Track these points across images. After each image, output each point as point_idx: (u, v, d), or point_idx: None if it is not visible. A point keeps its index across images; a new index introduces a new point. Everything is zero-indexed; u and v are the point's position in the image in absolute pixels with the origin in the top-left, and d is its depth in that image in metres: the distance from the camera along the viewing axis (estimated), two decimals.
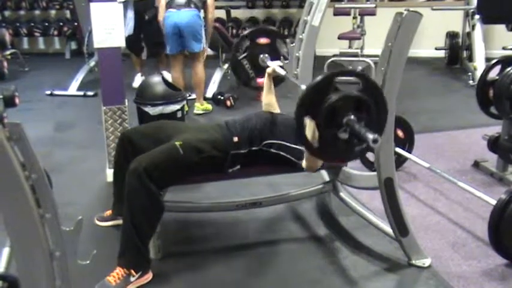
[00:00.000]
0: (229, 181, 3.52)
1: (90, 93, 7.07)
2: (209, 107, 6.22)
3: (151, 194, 2.82)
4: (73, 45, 9.96)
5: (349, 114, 2.22)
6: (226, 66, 7.16)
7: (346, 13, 7.96)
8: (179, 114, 4.35)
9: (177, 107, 4.30)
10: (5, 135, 1.50)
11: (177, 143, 2.95)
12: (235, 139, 3.06)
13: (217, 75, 7.01)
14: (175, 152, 2.92)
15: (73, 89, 7.25)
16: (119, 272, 2.84)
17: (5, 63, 4.85)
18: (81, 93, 7.12)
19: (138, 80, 7.02)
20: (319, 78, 2.28)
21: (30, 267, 1.61)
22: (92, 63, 7.50)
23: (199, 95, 6.12)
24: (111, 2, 4.02)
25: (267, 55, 4.01)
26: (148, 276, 2.92)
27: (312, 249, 3.26)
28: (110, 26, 4.03)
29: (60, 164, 4.61)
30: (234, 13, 9.17)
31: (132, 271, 2.84)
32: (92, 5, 4.01)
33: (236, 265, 3.12)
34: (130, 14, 6.56)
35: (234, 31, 9.09)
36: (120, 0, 4.05)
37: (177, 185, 3.07)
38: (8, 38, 4.72)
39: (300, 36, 3.88)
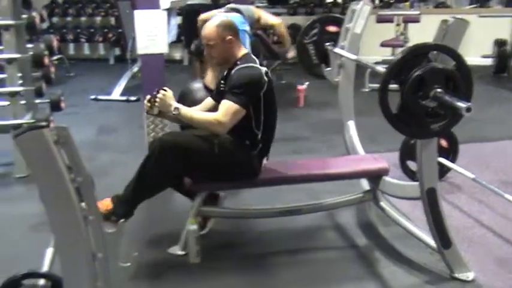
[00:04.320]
0: (266, 187, 3.56)
1: (132, 98, 7.17)
2: None
3: (167, 171, 2.96)
4: (117, 51, 10.14)
5: (438, 86, 2.25)
6: None
7: (389, 20, 7.89)
8: None
9: None
10: (53, 138, 1.53)
11: (215, 141, 3.01)
12: None
13: None
14: (211, 147, 3.00)
15: (116, 94, 7.37)
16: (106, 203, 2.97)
17: (52, 69, 4.95)
18: (124, 98, 7.23)
19: None
20: (414, 46, 2.34)
21: (73, 267, 1.64)
22: (135, 69, 7.61)
23: None
24: (155, 9, 4.07)
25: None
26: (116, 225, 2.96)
27: (350, 258, 3.23)
28: (153, 33, 4.10)
29: (102, 168, 4.67)
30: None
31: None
32: (136, 12, 4.07)
33: (274, 272, 3.11)
34: (174, 21, 6.65)
35: (275, 38, 9.08)
36: (164, 7, 4.10)
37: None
38: (55, 44, 4.83)
39: (342, 44, 3.86)
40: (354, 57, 3.54)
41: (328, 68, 3.98)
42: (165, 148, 2.92)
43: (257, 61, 3.09)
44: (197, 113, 3.11)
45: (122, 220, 1.89)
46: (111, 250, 1.68)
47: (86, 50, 10.60)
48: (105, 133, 5.88)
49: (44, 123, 1.43)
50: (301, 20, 9.49)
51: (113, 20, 10.27)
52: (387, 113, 2.46)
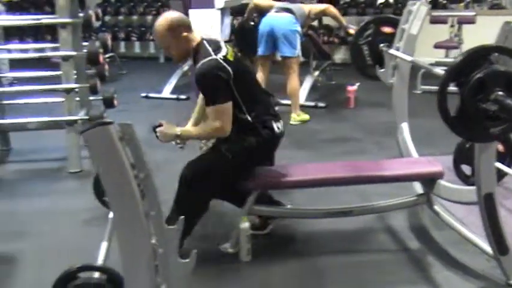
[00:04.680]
0: (316, 188, 3.55)
1: (182, 96, 7.25)
2: (306, 117, 6.11)
3: (197, 201, 3.05)
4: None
5: (499, 89, 2.23)
6: (316, 73, 7.16)
7: (443, 21, 7.76)
8: None
9: None
10: (118, 135, 1.56)
11: (223, 149, 3.07)
12: None
13: (307, 82, 7.00)
14: (223, 156, 3.05)
15: (167, 92, 7.46)
16: None
17: (106, 66, 5.06)
18: (174, 96, 7.31)
19: None
20: (475, 47, 2.31)
21: (134, 262, 1.67)
22: (185, 67, 7.68)
23: (295, 105, 6.05)
24: (209, 9, 4.10)
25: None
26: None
27: (402, 262, 3.19)
28: (207, 32, 4.12)
29: (155, 164, 4.72)
30: (326, 20, 9.13)
31: None
32: (191, 11, 4.12)
33: (324, 272, 3.10)
34: (227, 20, 6.68)
35: (326, 38, 9.07)
36: (218, 7, 4.13)
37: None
38: (109, 42, 4.93)
39: (397, 45, 3.81)
40: (410, 58, 3.49)
41: (382, 69, 3.93)
42: (191, 182, 3.01)
43: (210, 49, 3.02)
44: (196, 129, 3.21)
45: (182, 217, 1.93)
46: (171, 246, 1.70)
47: (137, 48, 10.76)
48: None
49: (109, 120, 1.47)
50: (352, 21, 9.41)
51: None
52: (446, 116, 2.41)
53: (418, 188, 3.59)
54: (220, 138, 3.10)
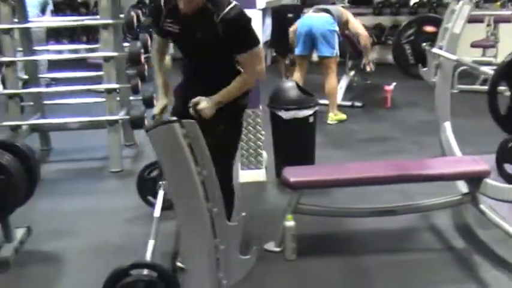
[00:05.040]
0: (358, 187, 3.55)
1: None
2: (343, 116, 6.12)
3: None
4: None
5: None
6: (352, 73, 7.14)
7: (479, 20, 7.67)
8: (311, 119, 4.40)
9: (309, 112, 4.35)
10: (182, 133, 1.59)
11: (216, 125, 2.76)
12: None
13: (343, 82, 6.99)
14: (221, 130, 2.81)
15: None
16: None
17: (146, 66, 5.13)
18: None
19: None
20: None
21: (196, 257, 1.70)
22: None
23: (332, 105, 6.06)
24: (251, 9, 4.11)
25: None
26: None
27: (448, 261, 3.18)
28: None
29: None
30: (360, 20, 9.09)
31: None
32: None
33: (369, 271, 3.12)
34: (268, 21, 6.73)
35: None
36: (259, 7, 4.15)
37: None
38: (149, 42, 4.99)
39: (440, 44, 3.80)
40: (454, 57, 3.48)
41: (425, 68, 3.92)
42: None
43: None
44: (233, 85, 2.84)
45: (242, 214, 1.95)
46: (232, 242, 1.73)
47: (171, 49, 10.82)
48: None
49: (173, 118, 1.50)
50: (386, 21, 9.39)
51: None
52: (496, 115, 2.41)
53: (461, 186, 3.58)
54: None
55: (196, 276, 1.72)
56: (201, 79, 2.96)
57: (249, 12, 4.06)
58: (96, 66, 6.65)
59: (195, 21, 2.78)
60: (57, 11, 10.13)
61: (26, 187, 3.35)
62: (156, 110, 3.03)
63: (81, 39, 10.36)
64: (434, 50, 3.77)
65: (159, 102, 3.05)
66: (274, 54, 8.49)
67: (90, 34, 10.40)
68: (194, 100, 2.71)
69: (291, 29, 6.18)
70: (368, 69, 6.46)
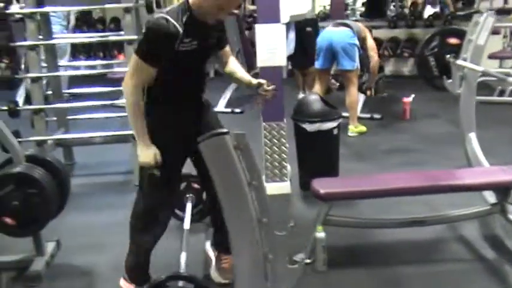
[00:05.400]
0: (382, 200, 3.57)
1: (237, 110, 7.35)
2: (363, 128, 6.16)
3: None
4: (216, 65, 10.38)
5: None
6: None
7: (496, 32, 7.69)
8: (335, 132, 4.44)
9: (333, 124, 4.40)
10: (233, 144, 1.63)
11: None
12: None
13: (361, 95, 7.01)
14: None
15: (221, 106, 7.56)
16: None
17: None
18: (229, 110, 7.41)
19: None
20: None
21: (246, 267, 1.73)
22: None
23: (353, 117, 6.09)
24: (275, 24, 4.17)
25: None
26: None
27: (479, 272, 3.19)
28: (273, 46, 4.19)
29: None
30: (376, 33, 9.13)
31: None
32: (257, 26, 4.20)
33: (399, 282, 3.13)
34: (292, 35, 6.79)
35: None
36: (283, 21, 4.20)
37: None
38: None
39: (465, 55, 3.83)
40: (480, 68, 3.50)
41: (450, 80, 3.95)
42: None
43: None
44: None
45: (290, 224, 1.97)
46: (280, 252, 1.76)
47: None
48: None
49: (225, 130, 1.53)
50: (401, 33, 9.44)
51: None
52: None
53: (488, 197, 3.59)
54: None
55: (246, 285, 1.75)
56: (199, 96, 2.98)
57: (273, 27, 4.15)
58: (116, 81, 6.76)
59: (211, 29, 2.80)
60: (71, 28, 10.27)
61: (57, 201, 3.40)
62: (152, 160, 2.72)
63: (97, 55, 10.50)
64: (459, 61, 3.80)
65: (152, 152, 2.73)
66: (290, 67, 8.57)
67: (106, 50, 10.55)
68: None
69: None
70: (368, 93, 6.50)
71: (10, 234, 3.24)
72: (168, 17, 2.60)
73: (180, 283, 2.66)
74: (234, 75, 3.16)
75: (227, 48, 3.05)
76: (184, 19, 2.64)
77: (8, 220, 3.16)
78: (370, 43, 6.18)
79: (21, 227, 3.21)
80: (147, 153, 2.71)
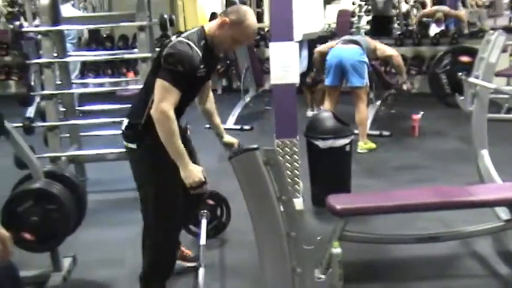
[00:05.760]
0: (395, 216, 3.61)
1: (246, 127, 7.39)
2: (373, 145, 6.20)
3: None
4: (224, 82, 10.49)
5: None
6: (378, 103, 7.23)
7: (503, 50, 7.76)
8: (347, 148, 4.49)
9: (346, 141, 4.45)
10: (263, 159, 1.68)
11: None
12: None
13: (370, 112, 7.06)
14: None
15: (230, 123, 7.60)
16: None
17: None
18: (238, 127, 7.45)
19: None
20: None
21: (275, 280, 1.76)
22: (247, 99, 7.86)
23: (362, 134, 6.13)
24: (288, 42, 4.24)
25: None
26: None
27: (493, 287, 3.21)
28: (286, 64, 4.25)
29: (228, 193, 4.84)
30: None
31: None
32: (271, 44, 4.26)
33: None
34: (305, 53, 6.87)
35: (383, 68, 9.13)
36: (297, 39, 4.26)
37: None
38: None
39: (476, 73, 3.88)
40: (492, 86, 3.55)
41: (462, 97, 4.00)
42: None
43: None
44: None
45: (318, 238, 2.01)
46: (308, 265, 1.79)
47: None
48: (225, 160, 6.06)
49: (255, 146, 1.57)
50: (408, 51, 9.48)
51: None
52: None
53: (501, 213, 3.62)
54: None
55: None
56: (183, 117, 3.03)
57: (286, 45, 4.22)
58: (125, 99, 6.83)
59: (217, 58, 2.99)
60: (83, 45, 10.38)
61: (75, 216, 3.44)
62: (202, 176, 2.76)
63: (106, 72, 10.58)
64: (471, 79, 3.85)
65: (199, 168, 2.79)
66: (298, 84, 8.63)
67: (114, 68, 10.64)
68: None
69: (316, 49, 6.32)
70: (405, 87, 6.46)
71: (29, 250, 3.27)
72: (192, 44, 2.69)
73: None
74: (211, 118, 3.48)
75: (210, 81, 3.16)
76: (201, 46, 2.74)
77: (27, 235, 3.20)
78: (382, 47, 6.24)
79: (40, 243, 3.26)
80: (196, 171, 2.74)
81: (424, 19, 10.12)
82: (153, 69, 2.87)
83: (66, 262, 3.62)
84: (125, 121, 2.99)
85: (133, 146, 2.92)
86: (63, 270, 3.53)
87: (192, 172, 2.71)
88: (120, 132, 3.03)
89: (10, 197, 3.26)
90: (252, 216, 1.72)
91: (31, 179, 3.38)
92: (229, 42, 2.81)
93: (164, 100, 2.66)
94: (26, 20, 12.75)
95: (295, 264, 1.76)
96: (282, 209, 1.76)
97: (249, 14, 2.82)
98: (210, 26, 2.84)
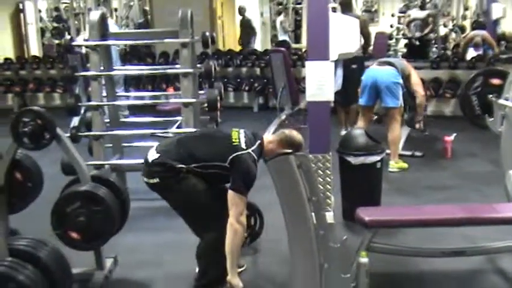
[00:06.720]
0: (422, 230, 3.79)
1: None
2: (404, 165, 6.30)
3: None
4: (260, 100, 10.70)
5: None
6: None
7: None
8: (378, 165, 4.63)
9: (377, 158, 4.59)
10: (296, 163, 1.86)
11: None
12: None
13: (403, 133, 7.17)
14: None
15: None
16: None
17: (219, 113, 5.47)
18: None
19: None
20: None
21: (303, 275, 1.93)
22: (283, 116, 8.04)
23: (394, 153, 6.25)
24: (324, 61, 4.41)
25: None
26: None
27: None
28: (321, 82, 4.42)
29: (263, 205, 5.00)
30: (418, 73, 9.30)
31: None
32: (308, 63, 4.43)
33: None
34: (340, 71, 7.04)
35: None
36: (332, 59, 4.44)
37: None
38: (222, 90, 5.33)
39: (507, 95, 4.00)
40: None
41: (491, 119, 4.12)
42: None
43: None
44: None
45: (344, 237, 2.17)
46: (335, 262, 1.96)
47: (231, 98, 11.24)
48: (261, 175, 6.25)
49: (289, 151, 1.76)
50: (444, 74, 9.58)
51: (258, 71, 10.88)
52: None
53: None
54: None
55: None
56: None
57: (322, 64, 4.39)
58: (165, 113, 7.09)
59: None
60: (125, 61, 10.74)
61: (119, 219, 3.66)
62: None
63: (146, 87, 10.91)
64: (501, 101, 3.97)
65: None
66: (333, 104, 8.78)
67: (154, 83, 10.97)
68: None
69: None
70: (417, 126, 6.69)
71: (75, 248, 3.48)
72: (256, 159, 3.15)
73: None
74: None
75: None
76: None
77: (74, 235, 3.42)
78: (415, 79, 6.37)
79: (86, 242, 3.47)
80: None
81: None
82: (220, 152, 3.25)
83: (108, 262, 3.84)
84: (155, 155, 3.39)
85: (156, 180, 3.40)
86: (105, 269, 3.75)
87: (236, 276, 3.14)
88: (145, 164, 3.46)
89: (59, 198, 3.49)
90: (284, 215, 1.89)
91: (79, 183, 3.61)
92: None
93: (238, 211, 3.03)
94: (69, 34, 13.31)
95: (323, 261, 1.93)
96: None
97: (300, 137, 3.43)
98: (270, 144, 3.36)
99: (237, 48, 13.39)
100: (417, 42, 10.57)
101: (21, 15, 14.53)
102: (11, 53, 13.49)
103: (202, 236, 3.38)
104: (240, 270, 3.63)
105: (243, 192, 3.04)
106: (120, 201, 3.71)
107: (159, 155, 3.35)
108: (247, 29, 13.50)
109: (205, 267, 3.33)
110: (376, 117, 6.92)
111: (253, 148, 3.19)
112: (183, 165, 3.24)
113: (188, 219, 3.45)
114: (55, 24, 15.00)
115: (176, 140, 3.47)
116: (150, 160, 3.37)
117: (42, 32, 14.96)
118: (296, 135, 3.42)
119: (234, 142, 3.24)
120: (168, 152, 3.34)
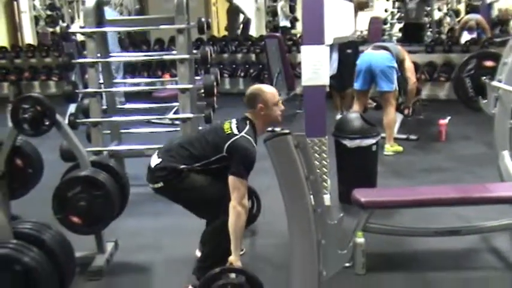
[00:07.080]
0: (418, 211, 3.86)
1: (277, 129, 7.61)
2: (399, 148, 6.37)
3: None
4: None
5: None
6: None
7: None
8: (374, 148, 4.69)
9: (372, 141, 4.65)
10: (294, 143, 1.92)
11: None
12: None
13: (398, 117, 7.23)
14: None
15: None
16: None
17: (215, 98, 5.50)
18: (270, 128, 7.65)
19: None
20: None
21: (301, 251, 2.00)
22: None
23: (389, 137, 6.32)
24: (319, 45, 4.47)
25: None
26: None
27: (509, 279, 3.39)
28: (317, 66, 4.48)
29: (260, 188, 5.06)
30: (413, 57, 9.30)
31: None
32: (303, 47, 4.49)
33: (434, 287, 3.35)
34: (335, 55, 7.09)
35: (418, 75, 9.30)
36: (327, 43, 4.49)
37: None
38: (218, 76, 5.35)
39: (499, 77, 4.06)
40: None
41: (485, 101, 4.18)
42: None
43: None
44: None
45: (341, 214, 2.21)
46: (332, 239, 2.02)
47: (227, 84, 11.26)
48: (259, 159, 6.31)
49: (287, 131, 1.82)
50: (438, 58, 9.64)
51: (253, 57, 10.91)
52: None
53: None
54: None
55: (300, 267, 2.01)
56: None
57: (317, 48, 4.44)
58: (161, 99, 7.14)
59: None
60: (123, 48, 10.74)
61: (119, 203, 3.71)
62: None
63: (142, 74, 10.94)
64: (494, 83, 4.03)
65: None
66: (328, 89, 8.83)
67: (150, 70, 10.99)
68: None
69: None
70: (406, 112, 6.76)
71: (76, 232, 3.53)
72: (253, 142, 3.19)
73: (233, 275, 2.93)
74: None
75: None
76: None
77: (75, 219, 3.47)
78: (408, 65, 6.43)
79: (87, 226, 3.51)
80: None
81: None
82: (216, 145, 3.28)
83: (109, 246, 3.90)
84: (157, 160, 3.41)
85: (160, 185, 3.38)
86: (106, 253, 3.81)
87: (237, 256, 3.11)
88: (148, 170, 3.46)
89: (60, 183, 3.54)
90: (282, 193, 1.95)
91: (79, 168, 3.66)
92: (271, 119, 3.47)
93: (240, 195, 3.05)
94: (63, 22, 13.28)
95: (320, 237, 1.99)
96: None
97: (259, 86, 3.49)
98: (254, 117, 3.41)
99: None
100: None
101: (15, 3, 14.48)
102: (5, 42, 13.47)
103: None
104: (240, 253, 3.69)
105: (243, 175, 3.08)
106: (120, 186, 3.75)
107: (160, 159, 3.38)
108: (234, 15, 13.41)
109: (209, 250, 3.38)
110: (375, 104, 6.98)
111: (245, 130, 3.25)
112: (185, 166, 3.29)
113: (200, 214, 3.49)
114: (49, 12, 14.94)
115: (177, 144, 3.51)
116: (152, 166, 3.41)
117: (36, 20, 14.91)
118: (265, 87, 3.51)
119: (226, 132, 3.29)
120: (169, 156, 3.38)
